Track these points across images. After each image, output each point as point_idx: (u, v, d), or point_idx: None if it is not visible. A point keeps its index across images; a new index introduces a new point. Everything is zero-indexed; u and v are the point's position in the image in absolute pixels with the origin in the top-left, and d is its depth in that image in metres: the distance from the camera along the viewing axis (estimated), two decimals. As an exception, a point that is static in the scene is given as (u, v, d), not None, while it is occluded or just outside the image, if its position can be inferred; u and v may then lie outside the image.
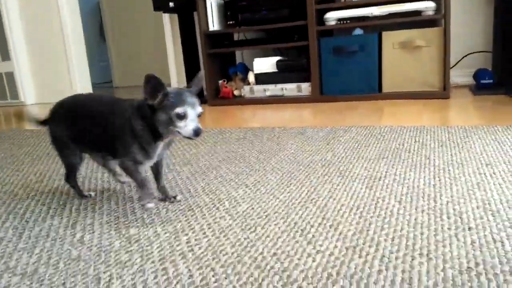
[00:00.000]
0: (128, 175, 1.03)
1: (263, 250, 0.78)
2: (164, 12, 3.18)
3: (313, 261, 0.73)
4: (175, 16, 3.22)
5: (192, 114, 0.91)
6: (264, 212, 0.95)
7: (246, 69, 2.91)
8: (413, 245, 0.75)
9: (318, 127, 1.82)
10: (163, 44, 3.66)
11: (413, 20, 2.33)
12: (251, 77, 2.75)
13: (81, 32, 3.70)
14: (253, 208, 0.98)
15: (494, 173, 1.09)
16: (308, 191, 1.07)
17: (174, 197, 1.08)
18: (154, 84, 0.91)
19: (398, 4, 2.34)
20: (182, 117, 0.90)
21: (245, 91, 2.75)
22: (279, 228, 0.87)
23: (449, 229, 0.81)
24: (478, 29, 2.64)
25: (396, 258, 0.71)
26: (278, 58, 2.68)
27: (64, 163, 1.13)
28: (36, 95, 3.85)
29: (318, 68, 2.54)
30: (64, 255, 0.83)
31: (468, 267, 0.67)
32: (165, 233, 0.89)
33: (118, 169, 1.16)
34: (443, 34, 2.27)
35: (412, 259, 0.71)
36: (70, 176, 1.14)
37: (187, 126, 0.91)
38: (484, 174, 1.09)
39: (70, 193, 1.20)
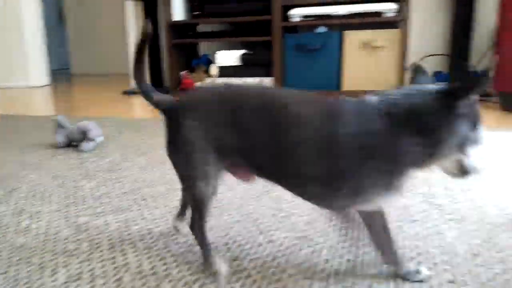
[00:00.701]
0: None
1: (215, 240, 0.78)
2: None
3: (264, 250, 0.74)
4: (139, 3, 3.15)
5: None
6: (219, 204, 0.96)
7: (209, 61, 2.90)
8: (358, 236, 0.78)
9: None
10: (124, 31, 3.57)
11: (375, 21, 2.38)
12: (213, 70, 2.73)
13: (39, 15, 3.55)
14: (207, 199, 0.98)
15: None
16: (263, 184, 1.08)
17: (417, 272, 0.65)
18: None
19: (360, 4, 2.39)
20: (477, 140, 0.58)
21: (207, 83, 2.73)
22: (232, 218, 0.88)
23: (396, 221, 0.84)
24: (436, 32, 2.73)
25: (342, 248, 0.74)
26: (241, 51, 2.68)
27: (190, 190, 0.67)
28: (-12, 79, 3.67)
29: (281, 63, 2.56)
30: (8, 243, 0.80)
31: (411, 257, 0.70)
32: (116, 222, 0.88)
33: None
34: (402, 36, 2.33)
35: (357, 249, 0.73)
36: (201, 217, 0.68)
37: (469, 161, 0.59)
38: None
39: (19, 180, 1.16)
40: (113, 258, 0.73)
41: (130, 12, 3.36)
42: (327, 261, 0.70)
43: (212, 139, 0.63)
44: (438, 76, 2.49)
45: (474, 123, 0.57)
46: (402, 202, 0.93)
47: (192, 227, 0.69)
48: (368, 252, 0.72)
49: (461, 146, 0.57)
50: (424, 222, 0.83)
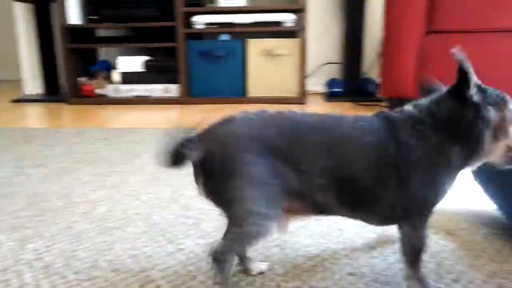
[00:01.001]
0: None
1: (121, 253, 0.75)
2: (16, 1, 2.86)
3: (173, 259, 0.73)
4: (30, 5, 2.92)
5: None
6: (124, 214, 0.92)
7: (110, 67, 2.78)
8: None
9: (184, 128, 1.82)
10: (14, 36, 3.28)
11: (276, 30, 2.48)
12: (115, 76, 2.63)
13: None
14: (112, 211, 0.94)
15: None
16: (172, 191, 1.06)
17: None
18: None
19: (261, 14, 2.48)
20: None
21: (110, 90, 2.62)
22: (138, 229, 0.85)
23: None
24: (331, 42, 2.92)
25: (253, 251, 0.75)
26: (145, 57, 2.61)
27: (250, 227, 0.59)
28: None
29: (186, 70, 2.55)
30: None
31: (316, 254, 0.74)
32: (10, 241, 0.80)
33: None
34: (301, 45, 2.46)
35: (267, 250, 0.75)
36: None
37: None
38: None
39: None
40: (7, 280, 0.67)
41: (20, 15, 3.10)
42: (237, 265, 0.71)
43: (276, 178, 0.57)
44: (333, 83, 2.67)
45: (497, 103, 0.58)
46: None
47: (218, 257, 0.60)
48: (277, 253, 0.74)
49: (500, 131, 0.57)
50: (326, 220, 0.88)
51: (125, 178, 1.17)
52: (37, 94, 2.97)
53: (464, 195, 0.99)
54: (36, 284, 0.66)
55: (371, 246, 0.77)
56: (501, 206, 0.83)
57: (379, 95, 2.35)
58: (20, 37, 3.11)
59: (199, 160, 0.61)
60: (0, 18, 4.27)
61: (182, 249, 0.76)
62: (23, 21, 3.06)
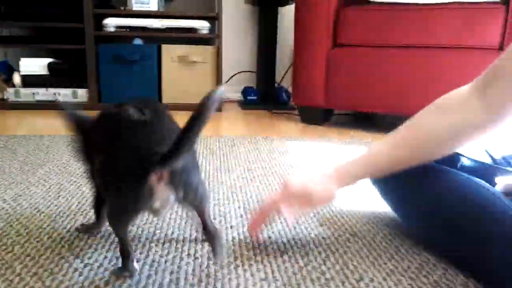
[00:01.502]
0: None
1: (21, 271, 0.70)
2: None
3: (80, 275, 0.69)
4: None
5: None
6: (25, 229, 0.86)
7: (10, 69, 2.56)
8: (182, 247, 0.79)
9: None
10: None
11: (190, 37, 2.47)
12: (16, 79, 2.43)
13: None
14: (11, 226, 0.87)
15: (254, 177, 1.25)
16: (79, 203, 1.01)
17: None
18: None
19: (175, 20, 2.45)
20: None
21: (9, 94, 2.41)
22: (42, 245, 0.79)
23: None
24: (246, 50, 2.98)
25: (166, 261, 0.74)
26: (49, 59, 2.45)
27: None
28: None
29: (96, 74, 2.43)
30: None
31: (229, 261, 0.75)
32: None
33: None
34: (216, 53, 2.48)
35: (180, 260, 0.74)
36: None
37: None
38: (246, 178, 1.24)
39: None
40: None
41: None
42: (149, 276, 0.69)
43: None
44: (248, 91, 2.72)
45: None
46: (221, 210, 0.98)
47: None
48: (189, 263, 0.74)
49: None
50: (240, 227, 0.89)
51: (26, 189, 1.09)
52: None
53: (368, 197, 1.07)
54: None
55: (282, 251, 0.79)
56: (395, 209, 0.91)
57: (292, 103, 2.44)
58: None
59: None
60: None
61: (89, 263, 0.73)
62: None
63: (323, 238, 0.85)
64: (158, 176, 0.57)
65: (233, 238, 0.84)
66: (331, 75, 2.00)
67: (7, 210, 0.95)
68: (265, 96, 2.73)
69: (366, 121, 2.35)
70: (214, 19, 2.52)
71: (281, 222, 0.92)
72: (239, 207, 1.01)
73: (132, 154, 0.59)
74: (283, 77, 2.88)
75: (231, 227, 0.89)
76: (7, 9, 2.37)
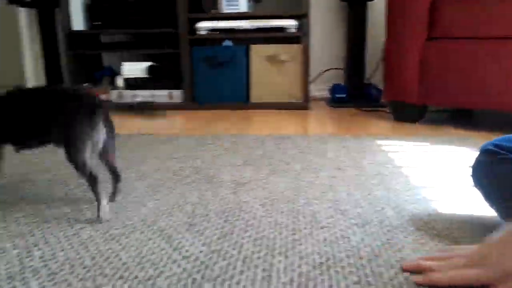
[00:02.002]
0: None
1: (126, 260, 0.75)
2: (20, 6, 2.89)
3: (178, 267, 0.73)
4: (34, 11, 2.94)
5: None
6: (130, 221, 0.93)
7: (114, 73, 2.79)
8: (273, 245, 0.80)
9: (188, 134, 1.82)
10: (18, 41, 3.30)
11: (279, 36, 2.49)
12: (119, 82, 2.64)
13: None
14: (117, 218, 0.95)
15: (344, 177, 1.22)
16: (176, 197, 1.07)
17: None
18: None
19: (264, 20, 2.49)
20: None
21: (113, 96, 2.63)
22: (145, 236, 0.85)
23: (305, 228, 0.88)
24: (334, 47, 2.93)
25: (258, 258, 0.75)
26: (149, 63, 2.62)
27: None
28: None
29: (190, 76, 2.56)
30: None
31: (320, 262, 0.74)
32: (15, 248, 0.80)
33: None
34: (304, 51, 2.47)
35: (272, 258, 0.75)
36: None
37: None
38: (336, 177, 1.22)
39: None
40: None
41: (24, 21, 3.12)
42: (241, 272, 0.71)
43: None
44: (337, 88, 2.67)
45: None
46: (311, 209, 0.98)
47: None
48: (281, 261, 0.74)
49: None
50: (331, 228, 0.88)
51: (131, 184, 1.17)
52: (41, 100, 2.98)
53: (470, 201, 0.99)
54: (42, 292, 0.66)
55: (375, 254, 0.77)
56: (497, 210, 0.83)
57: (383, 100, 2.35)
58: (24, 43, 3.13)
59: None
60: (5, 24, 4.29)
61: (186, 256, 0.77)
62: (27, 27, 3.08)
63: (420, 244, 0.81)
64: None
65: (325, 238, 0.83)
66: (425, 69, 1.89)
67: (114, 203, 1.03)
68: (354, 93, 2.66)
69: (464, 119, 2.18)
70: (302, 17, 2.52)
71: (375, 225, 0.89)
72: (329, 207, 0.99)
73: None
74: (373, 73, 2.78)
75: (322, 227, 0.88)
76: (110, 18, 2.58)
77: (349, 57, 2.70)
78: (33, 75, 3.26)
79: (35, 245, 0.82)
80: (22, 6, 2.79)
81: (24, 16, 3.15)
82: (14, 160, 1.43)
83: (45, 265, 0.74)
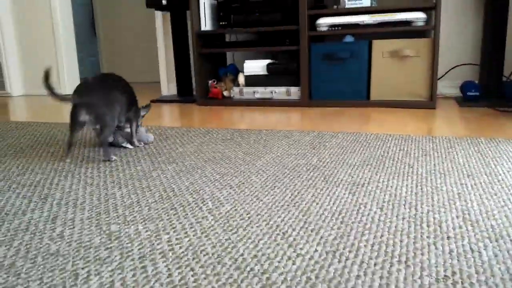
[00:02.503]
0: None
1: (243, 252, 0.78)
2: (157, 10, 3.17)
3: (293, 264, 0.73)
4: (168, 13, 3.21)
5: None
6: (247, 214, 0.96)
7: (236, 70, 2.92)
8: (392, 252, 0.76)
9: (305, 131, 1.83)
10: (154, 41, 3.64)
11: (404, 30, 2.35)
12: (241, 79, 2.75)
13: (71, 25, 3.66)
14: (236, 210, 0.98)
15: (475, 184, 1.11)
16: (291, 194, 1.07)
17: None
18: None
19: (389, 14, 2.37)
20: None
21: (235, 92, 2.75)
22: (261, 230, 0.87)
23: (428, 237, 0.82)
24: (466, 41, 2.68)
25: (375, 264, 0.72)
26: (268, 60, 2.69)
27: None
28: (23, 87, 3.80)
29: (308, 73, 2.56)
30: (43, 249, 0.82)
31: (445, 276, 0.68)
32: (146, 231, 0.88)
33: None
34: (432, 45, 2.30)
35: (391, 266, 0.71)
36: None
37: None
38: (465, 184, 1.11)
39: (51, 187, 1.19)
40: (144, 267, 0.74)
41: (159, 22, 3.42)
42: (358, 277, 0.68)
43: None
44: (468, 86, 2.44)
45: None
46: (436, 217, 0.90)
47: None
48: (400, 270, 0.70)
49: None
50: (459, 239, 0.80)
51: (248, 178, 1.21)
52: (172, 95, 3.25)
53: None
54: (168, 274, 0.71)
55: (511, 274, 0.68)
56: None
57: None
58: (159, 43, 3.44)
59: None
60: (143, 25, 4.76)
61: (301, 254, 0.76)
62: (161, 27, 3.37)
63: None
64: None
65: (451, 250, 0.76)
66: None
67: (233, 195, 1.08)
68: (489, 92, 2.40)
69: None
70: (431, 9, 2.34)
71: (511, 240, 0.79)
72: (457, 217, 0.91)
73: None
74: (513, 70, 2.48)
75: (448, 238, 0.81)
76: (235, 18, 2.69)
77: (485, 51, 2.44)
78: (165, 71, 3.56)
79: (164, 229, 0.89)
80: (158, 9, 3.06)
81: (160, 18, 3.45)
82: (143, 151, 1.58)
83: (172, 249, 0.80)
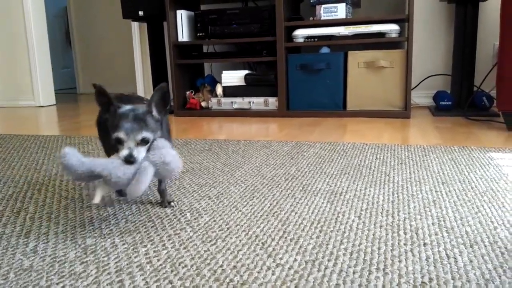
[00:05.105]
0: None
1: (223, 263, 0.77)
2: (134, 21, 3.15)
3: (273, 274, 0.73)
4: (145, 24, 3.20)
5: (127, 140, 0.89)
6: (226, 225, 0.95)
7: (214, 81, 2.92)
8: (371, 260, 0.77)
9: (283, 141, 1.84)
10: (131, 53, 3.61)
11: (378, 41, 2.40)
12: (219, 89, 2.75)
13: (46, 36, 3.60)
14: (214, 221, 0.98)
15: (450, 191, 1.13)
16: (270, 204, 1.07)
17: (169, 203, 1.09)
18: (102, 99, 0.93)
19: (364, 25, 2.42)
20: (119, 141, 0.90)
21: (213, 103, 2.75)
22: (240, 241, 0.87)
23: (405, 244, 0.83)
24: (439, 53, 2.75)
25: (354, 273, 0.73)
26: (246, 71, 2.70)
27: None
28: (-6, 98, 3.70)
29: (285, 84, 2.58)
30: (15, 265, 0.79)
31: (422, 282, 0.69)
32: (123, 244, 0.87)
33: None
34: (406, 56, 2.35)
35: (369, 274, 0.72)
36: None
37: (121, 152, 0.89)
38: (440, 192, 1.13)
39: (24, 201, 1.15)
40: (121, 281, 0.72)
41: (136, 33, 3.41)
42: (337, 286, 0.69)
43: None
44: (441, 95, 2.50)
45: None
46: (413, 225, 0.92)
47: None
48: (379, 277, 0.71)
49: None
50: (435, 246, 0.82)
51: (227, 189, 1.21)
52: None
53: None
54: (146, 287, 0.70)
55: (486, 278, 0.69)
56: None
57: (494, 109, 2.15)
58: (135, 54, 3.41)
59: None
60: (119, 36, 4.72)
61: (280, 264, 0.76)
62: (138, 38, 3.35)
63: (541, 270, 0.72)
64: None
65: (427, 257, 0.77)
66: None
67: (211, 206, 1.07)
68: (461, 102, 2.47)
69: None
70: (404, 21, 2.40)
71: (485, 246, 0.81)
72: (433, 224, 0.92)
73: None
74: (483, 80, 2.56)
75: (425, 244, 0.82)
76: (213, 30, 2.70)
77: (456, 62, 2.51)
78: (142, 81, 3.54)
79: (141, 242, 0.87)
80: (135, 20, 3.04)
81: (136, 29, 3.43)
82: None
83: (149, 262, 0.79)
